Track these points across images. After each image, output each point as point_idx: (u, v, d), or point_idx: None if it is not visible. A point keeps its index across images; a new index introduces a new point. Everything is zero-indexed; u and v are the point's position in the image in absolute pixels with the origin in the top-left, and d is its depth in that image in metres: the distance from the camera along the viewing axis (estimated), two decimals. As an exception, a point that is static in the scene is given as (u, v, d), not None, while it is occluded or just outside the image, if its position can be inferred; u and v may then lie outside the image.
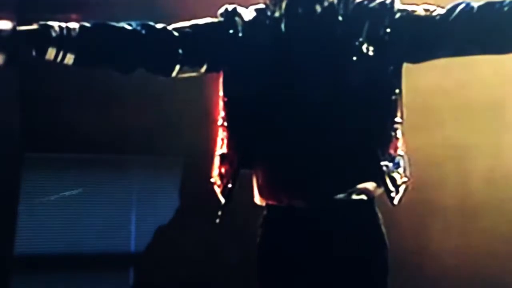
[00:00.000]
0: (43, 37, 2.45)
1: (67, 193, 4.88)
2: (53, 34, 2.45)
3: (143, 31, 2.57)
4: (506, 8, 2.46)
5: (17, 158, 4.76)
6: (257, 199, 2.66)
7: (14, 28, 2.42)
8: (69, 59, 2.49)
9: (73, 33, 2.48)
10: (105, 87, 4.34)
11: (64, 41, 2.46)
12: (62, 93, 4.61)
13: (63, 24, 2.48)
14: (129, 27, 2.56)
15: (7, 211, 4.67)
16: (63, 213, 5.01)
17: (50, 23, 2.47)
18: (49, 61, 2.47)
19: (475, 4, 2.52)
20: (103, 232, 5.13)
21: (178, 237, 5.02)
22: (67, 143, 4.85)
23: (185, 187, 5.15)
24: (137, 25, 2.57)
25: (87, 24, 2.53)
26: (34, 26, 2.47)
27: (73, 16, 3.95)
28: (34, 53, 2.45)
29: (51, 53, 2.46)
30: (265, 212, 2.66)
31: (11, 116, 4.57)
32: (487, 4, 2.51)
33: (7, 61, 2.41)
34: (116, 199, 5.21)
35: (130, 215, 5.21)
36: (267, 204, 2.64)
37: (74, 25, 2.50)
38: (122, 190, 5.22)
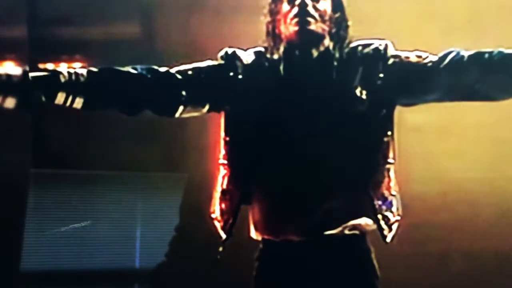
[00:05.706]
0: (53, 82, 2.56)
1: (76, 225, 4.95)
2: (62, 79, 2.56)
3: (148, 75, 2.68)
4: (496, 58, 2.56)
5: (24, 174, 4.84)
6: (253, 234, 2.77)
7: (25, 74, 2.52)
8: (78, 103, 2.61)
9: (81, 78, 2.59)
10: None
11: (73, 86, 2.58)
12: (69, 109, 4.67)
13: (72, 70, 2.59)
14: (134, 71, 2.67)
15: (13, 227, 4.76)
16: (68, 230, 5.07)
17: (58, 69, 2.59)
18: (58, 105, 2.59)
19: (466, 53, 2.62)
20: (108, 248, 5.20)
21: (183, 252, 5.10)
22: (73, 159, 4.93)
23: (189, 204, 5.23)
24: (142, 69, 2.69)
25: (95, 69, 2.64)
26: (44, 72, 2.58)
27: (78, 57, 4.02)
28: (43, 98, 2.56)
29: (60, 97, 2.57)
30: (261, 246, 2.76)
31: (19, 133, 4.66)
32: (477, 53, 2.60)
33: (18, 106, 2.52)
34: (121, 215, 5.27)
35: (135, 231, 5.27)
36: (263, 239, 2.75)
37: (82, 70, 2.61)
38: (127, 207, 5.28)
